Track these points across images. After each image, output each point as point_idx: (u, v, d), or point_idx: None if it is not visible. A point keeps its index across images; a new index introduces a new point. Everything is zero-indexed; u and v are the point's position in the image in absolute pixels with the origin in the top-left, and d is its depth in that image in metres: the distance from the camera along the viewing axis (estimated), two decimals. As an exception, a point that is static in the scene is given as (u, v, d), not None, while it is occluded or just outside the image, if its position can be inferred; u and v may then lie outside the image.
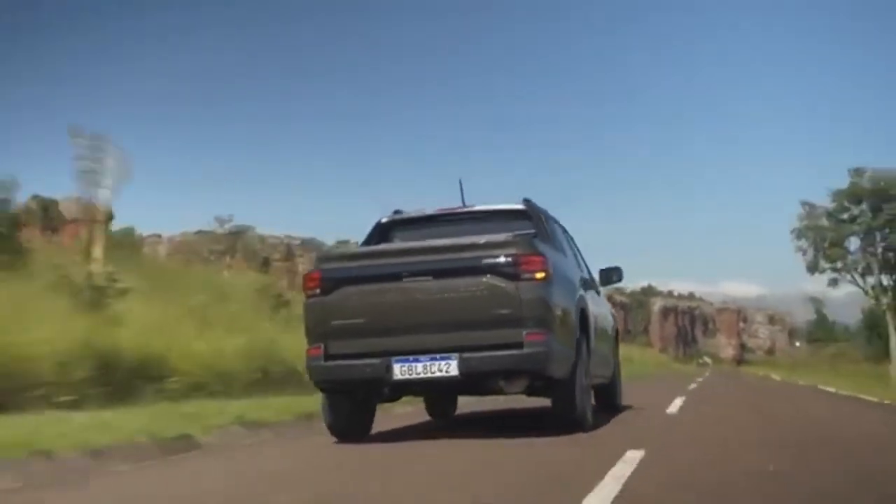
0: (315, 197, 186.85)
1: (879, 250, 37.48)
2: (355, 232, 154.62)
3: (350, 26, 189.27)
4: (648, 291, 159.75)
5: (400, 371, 6.52)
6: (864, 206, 37.55)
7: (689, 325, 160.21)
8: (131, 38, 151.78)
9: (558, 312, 6.74)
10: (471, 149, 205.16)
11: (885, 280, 38.17)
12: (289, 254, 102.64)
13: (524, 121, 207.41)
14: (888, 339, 43.13)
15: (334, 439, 7.01)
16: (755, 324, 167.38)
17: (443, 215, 8.10)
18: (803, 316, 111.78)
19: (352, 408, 7.20)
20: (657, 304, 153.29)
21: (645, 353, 73.34)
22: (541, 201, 8.12)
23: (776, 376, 37.06)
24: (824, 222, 38.10)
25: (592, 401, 8.27)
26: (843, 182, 37.34)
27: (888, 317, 35.05)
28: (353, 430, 7.18)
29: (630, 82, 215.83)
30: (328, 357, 6.72)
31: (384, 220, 8.20)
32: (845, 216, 38.19)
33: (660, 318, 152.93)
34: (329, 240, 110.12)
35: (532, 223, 7.71)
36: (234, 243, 76.83)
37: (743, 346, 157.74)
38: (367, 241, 7.98)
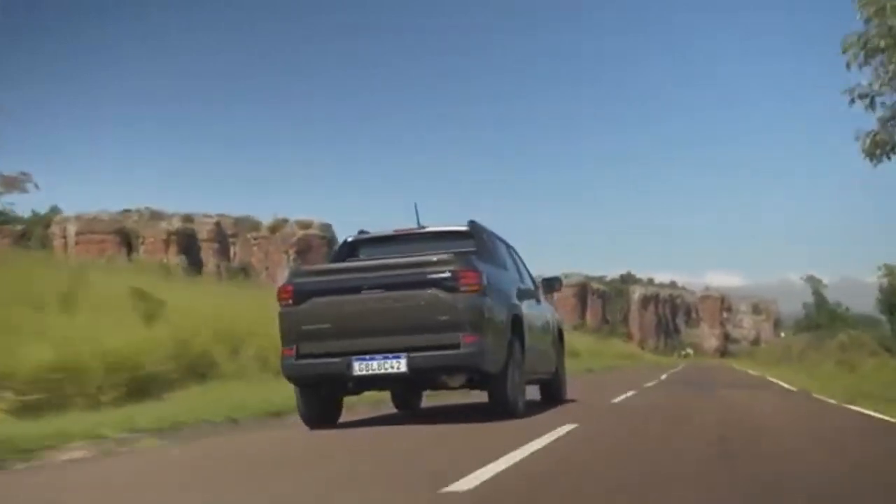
0: (251, 176, 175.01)
1: None
2: (295, 210, 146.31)
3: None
4: (628, 279, 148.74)
5: (359, 368, 7.69)
6: None
7: (671, 314, 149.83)
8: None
9: (491, 318, 7.92)
10: (443, 137, 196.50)
11: None
12: (219, 234, 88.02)
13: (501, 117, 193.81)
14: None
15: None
16: (739, 313, 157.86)
17: (400, 235, 9.32)
18: (788, 306, 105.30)
19: (321, 401, 8.38)
20: (636, 293, 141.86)
21: (606, 345, 60.08)
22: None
23: (786, 384, 19.16)
24: None
25: (538, 395, 10.87)
26: None
27: None
28: (323, 419, 8.38)
29: (616, 74, 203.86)
30: (299, 356, 7.89)
31: (350, 238, 9.50)
32: None
33: (639, 308, 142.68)
34: (266, 218, 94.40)
35: (475, 242, 8.94)
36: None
37: (727, 337, 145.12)
38: (336, 257, 9.38)
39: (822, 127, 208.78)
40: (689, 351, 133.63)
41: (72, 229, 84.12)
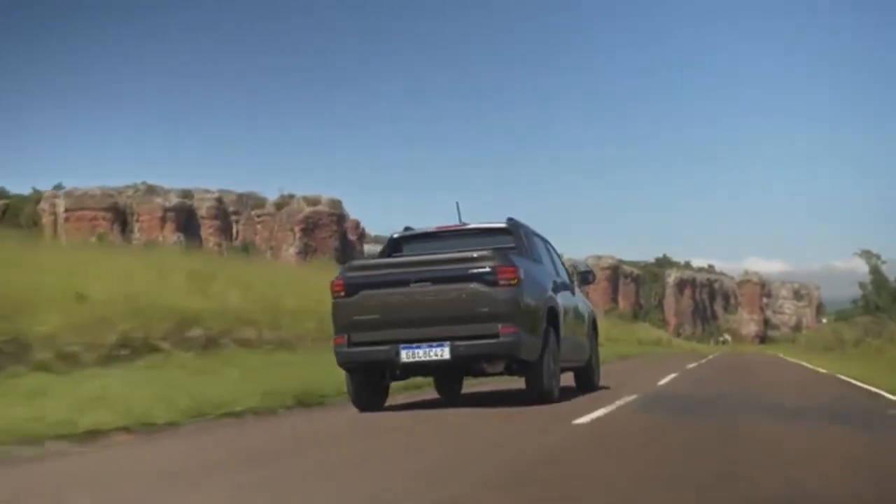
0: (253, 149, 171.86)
1: None
2: (303, 186, 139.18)
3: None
4: (663, 263, 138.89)
5: (406, 355, 8.10)
6: None
7: (709, 299, 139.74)
8: None
9: (528, 310, 8.30)
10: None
11: None
12: (221, 211, 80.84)
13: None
14: None
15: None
16: (780, 299, 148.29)
17: (443, 232, 9.71)
18: (831, 292, 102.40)
19: (369, 385, 8.77)
20: (672, 277, 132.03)
21: (630, 330, 51.49)
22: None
23: None
24: None
25: (573, 381, 11.04)
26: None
27: None
28: (371, 403, 8.76)
29: (650, 54, 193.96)
30: (351, 344, 8.29)
31: (396, 235, 9.93)
32: None
33: (675, 292, 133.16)
34: (272, 193, 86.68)
35: (513, 238, 9.38)
36: None
37: (766, 323, 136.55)
38: (383, 252, 9.82)
39: (873, 108, 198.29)
40: (727, 337, 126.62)
41: (61, 206, 77.28)
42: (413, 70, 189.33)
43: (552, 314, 8.91)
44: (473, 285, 7.98)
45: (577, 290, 11.17)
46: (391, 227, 10.95)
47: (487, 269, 7.99)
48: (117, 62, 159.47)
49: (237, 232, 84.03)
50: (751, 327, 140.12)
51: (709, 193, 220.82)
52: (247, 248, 73.06)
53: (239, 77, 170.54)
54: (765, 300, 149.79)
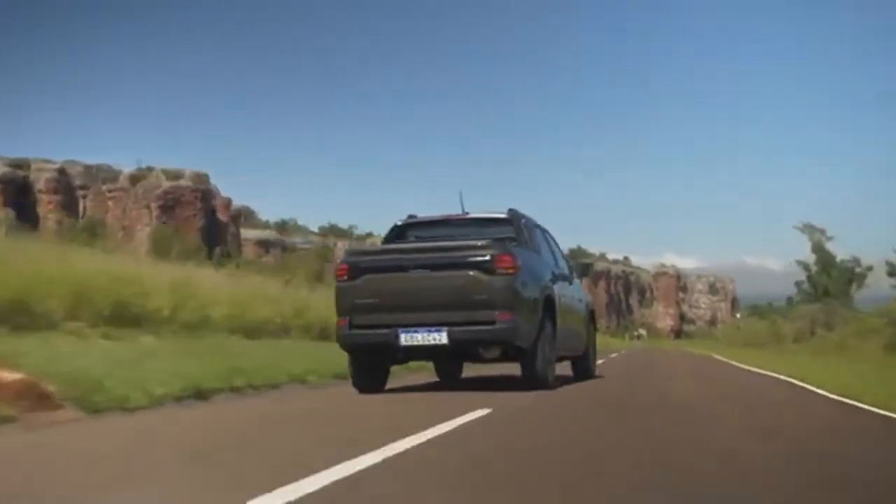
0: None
1: None
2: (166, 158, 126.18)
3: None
4: (577, 254, 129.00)
5: (405, 339, 8.15)
6: None
7: (624, 292, 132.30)
8: None
9: (524, 298, 8.34)
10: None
11: None
12: (64, 184, 67.56)
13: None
14: None
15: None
16: (695, 293, 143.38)
17: (445, 220, 9.86)
18: (743, 288, 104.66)
19: (370, 368, 8.93)
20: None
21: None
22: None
23: None
24: None
25: (570, 370, 11.28)
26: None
27: None
28: (372, 384, 8.89)
29: (572, 47, 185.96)
30: (352, 327, 8.43)
31: (400, 222, 10.02)
32: None
33: (589, 284, 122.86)
34: (129, 166, 73.53)
35: (513, 228, 9.41)
36: None
37: (682, 317, 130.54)
38: (387, 239, 9.96)
39: (788, 111, 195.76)
40: (643, 332, 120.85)
41: None
42: (413, 70, 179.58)
43: (549, 303, 8.98)
44: (472, 273, 8.07)
45: (575, 280, 11.30)
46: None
47: (486, 258, 8.08)
48: (117, 62, 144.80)
49: (84, 209, 71.19)
50: (667, 321, 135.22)
51: (625, 189, 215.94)
52: (93, 228, 60.36)
53: (239, 77, 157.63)
54: (681, 294, 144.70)
